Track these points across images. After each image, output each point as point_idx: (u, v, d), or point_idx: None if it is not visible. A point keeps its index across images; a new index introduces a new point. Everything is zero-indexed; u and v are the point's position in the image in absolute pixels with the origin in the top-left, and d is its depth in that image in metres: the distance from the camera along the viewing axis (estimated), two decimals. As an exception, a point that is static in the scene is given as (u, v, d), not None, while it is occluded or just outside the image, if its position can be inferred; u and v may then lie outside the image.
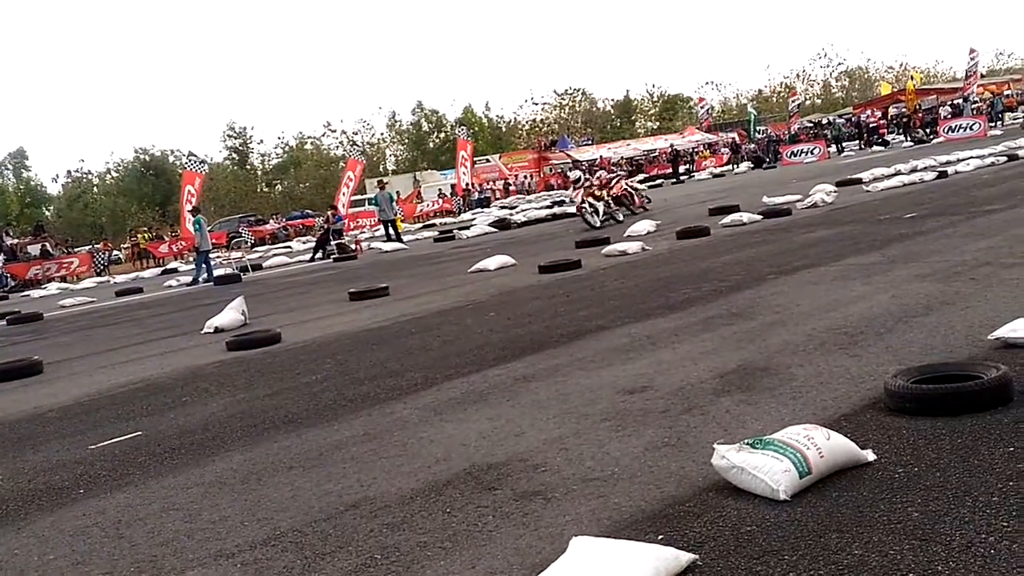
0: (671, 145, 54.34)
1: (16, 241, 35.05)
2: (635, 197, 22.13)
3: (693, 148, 56.77)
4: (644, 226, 15.84)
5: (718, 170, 46.96)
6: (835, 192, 17.25)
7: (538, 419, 4.95)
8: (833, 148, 44.49)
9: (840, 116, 58.43)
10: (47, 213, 61.66)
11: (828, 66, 79.91)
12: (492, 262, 13.81)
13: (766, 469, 3.36)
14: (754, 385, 4.99)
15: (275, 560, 3.47)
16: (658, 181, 43.05)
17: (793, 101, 64.43)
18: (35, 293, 27.01)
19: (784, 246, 11.42)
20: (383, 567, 3.26)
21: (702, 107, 71.47)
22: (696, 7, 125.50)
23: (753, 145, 52.46)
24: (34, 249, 33.71)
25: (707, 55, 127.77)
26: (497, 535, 3.40)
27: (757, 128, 59.95)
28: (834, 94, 78.79)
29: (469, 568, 3.15)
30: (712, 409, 4.63)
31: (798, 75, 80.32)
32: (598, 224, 18.85)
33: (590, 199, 19.37)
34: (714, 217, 16.16)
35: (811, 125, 57.73)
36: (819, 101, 77.35)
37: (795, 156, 42.46)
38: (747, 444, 3.52)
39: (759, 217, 15.09)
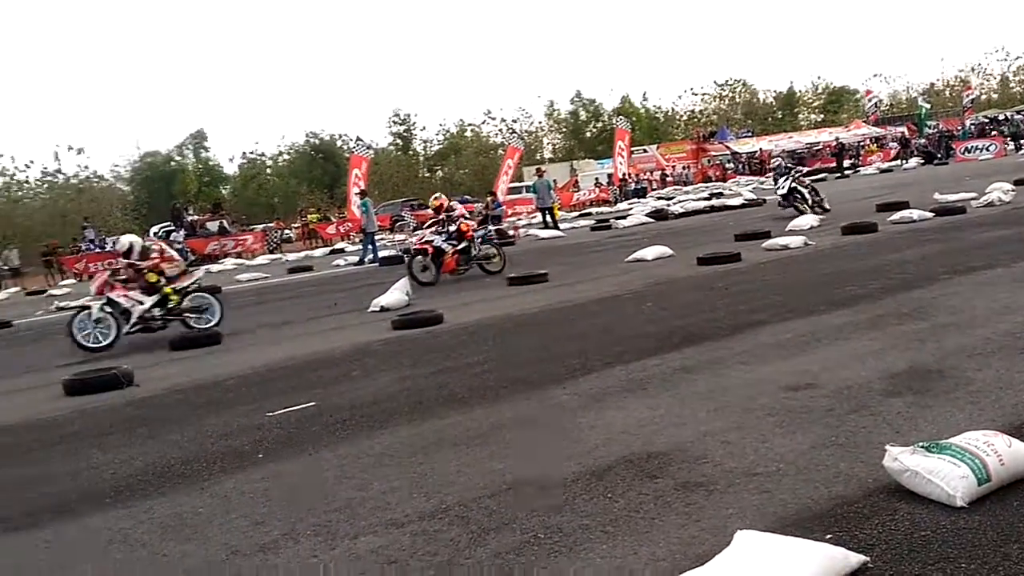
0: (836, 138, 52.39)
1: (196, 218, 37.06)
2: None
3: (859, 142, 54.52)
4: (807, 220, 15.40)
5: (885, 165, 44.97)
6: (1013, 191, 16.31)
7: (698, 411, 4.94)
8: (1011, 145, 41.94)
9: (1019, 112, 54.98)
10: (224, 192, 64.88)
11: (1006, 60, 75.06)
12: (650, 252, 13.74)
13: (942, 474, 3.27)
14: (927, 388, 4.83)
15: (442, 532, 3.61)
16: (821, 175, 41.64)
17: (967, 95, 61.06)
18: (213, 268, 28.53)
19: (958, 245, 10.90)
20: (546, 546, 3.35)
21: (870, 100, 68.60)
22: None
23: (923, 140, 50.01)
24: (212, 226, 35.57)
25: (876, 47, 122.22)
26: (659, 523, 3.43)
27: (928, 123, 57.13)
28: (1012, 89, 74.02)
29: (631, 554, 3.20)
30: (882, 410, 4.51)
31: (973, 69, 75.89)
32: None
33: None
34: (882, 213, 15.54)
35: (987, 120, 54.50)
36: (995, 96, 72.89)
37: (969, 152, 40.27)
38: (922, 447, 3.42)
39: (930, 215, 14.43)
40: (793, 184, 18.96)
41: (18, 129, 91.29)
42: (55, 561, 3.84)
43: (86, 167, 53.97)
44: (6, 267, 34.03)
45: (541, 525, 3.54)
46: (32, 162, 51.10)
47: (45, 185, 52.29)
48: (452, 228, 14.61)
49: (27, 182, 52.03)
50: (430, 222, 15.29)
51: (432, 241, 14.57)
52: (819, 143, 56.36)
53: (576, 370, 6.37)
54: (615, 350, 6.94)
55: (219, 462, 5.10)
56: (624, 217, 26.24)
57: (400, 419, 5.58)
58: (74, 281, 30.85)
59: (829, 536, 3.09)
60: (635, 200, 39.71)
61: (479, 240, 14.94)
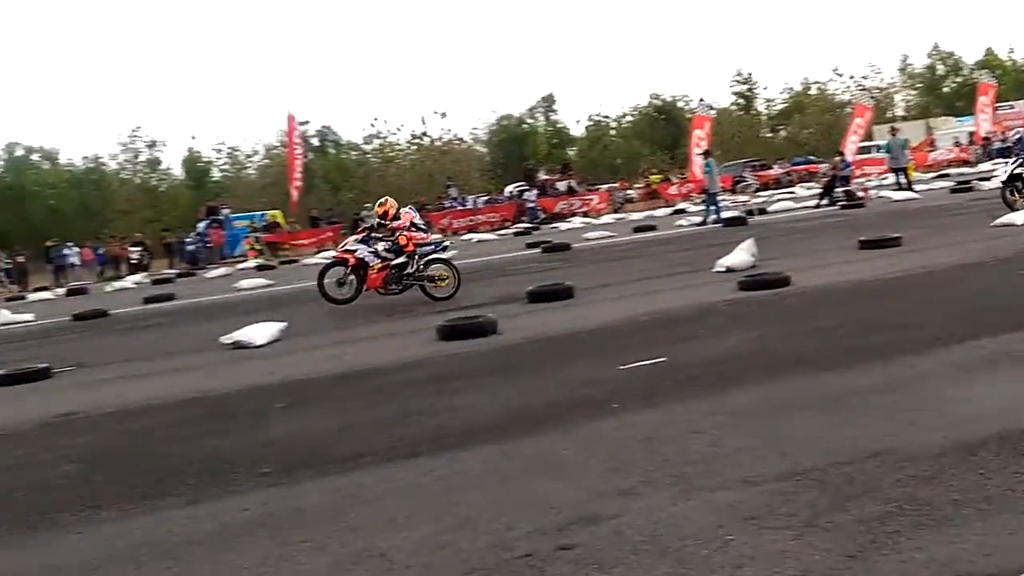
0: None
1: (546, 178, 38.67)
2: None
3: None
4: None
5: None
6: None
7: (1085, 390, 4.55)
8: None
9: None
10: (570, 153, 66.98)
11: None
12: (1020, 216, 12.54)
13: None
14: None
15: (799, 494, 3.63)
16: None
17: None
18: (562, 226, 29.71)
19: None
20: (912, 518, 3.28)
21: None
22: None
23: None
24: (561, 186, 37.01)
25: None
26: (1039, 504, 3.25)
27: None
28: None
29: (1008, 534, 3.06)
30: None
31: None
32: None
33: None
34: None
35: None
36: None
37: None
38: None
39: None
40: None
41: (392, 96, 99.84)
42: (440, 487, 4.31)
43: (448, 130, 57.97)
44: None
45: (906, 496, 3.46)
46: (403, 126, 55.82)
47: (414, 147, 56.82)
48: (390, 239, 12.17)
49: (398, 144, 56.81)
50: (361, 228, 13.28)
51: (355, 251, 12.16)
52: None
53: (938, 339, 6.06)
54: (983, 320, 6.51)
55: (577, 409, 5.41)
56: (988, 179, 24.03)
57: (751, 379, 5.61)
58: (439, 236, 33.42)
59: None
60: (1000, 160, 36.10)
61: (423, 257, 12.21)
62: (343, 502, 4.22)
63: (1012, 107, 51.93)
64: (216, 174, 60.19)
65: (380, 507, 4.08)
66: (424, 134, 56.56)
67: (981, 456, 3.77)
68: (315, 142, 60.42)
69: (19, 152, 58.77)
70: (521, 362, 7.14)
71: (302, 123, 45.62)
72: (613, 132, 69.25)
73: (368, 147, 57.68)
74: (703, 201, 24.43)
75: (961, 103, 58.83)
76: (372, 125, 56.38)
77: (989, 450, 3.83)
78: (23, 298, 26.23)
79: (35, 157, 60.00)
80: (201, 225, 35.29)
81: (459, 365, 7.28)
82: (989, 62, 62.47)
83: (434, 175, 50.50)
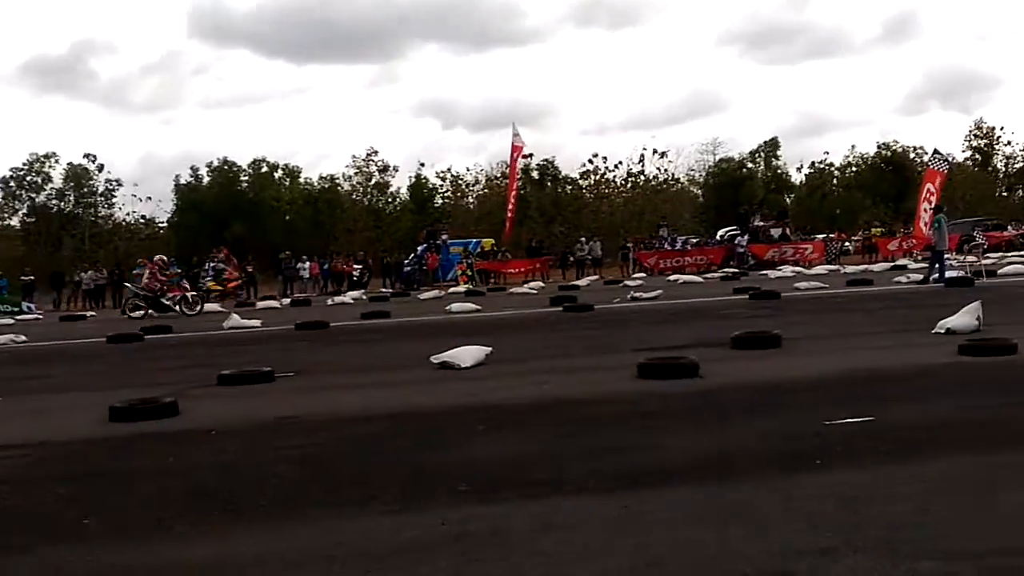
0: None
1: (760, 224, 37.96)
2: None
3: None
4: None
5: None
6: None
7: None
8: None
9: None
10: (788, 200, 65.35)
11: None
12: None
13: None
14: None
15: (1018, 571, 3.47)
16: None
17: None
18: (771, 274, 29.07)
19: None
20: None
21: None
22: None
23: None
24: (775, 232, 36.23)
25: None
26: None
27: None
28: None
29: None
30: None
31: None
32: None
33: None
34: None
35: None
36: None
37: None
38: None
39: None
40: None
41: (611, 134, 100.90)
42: (637, 524, 4.29)
43: (665, 170, 57.90)
44: (589, 256, 37.99)
45: None
46: (620, 163, 56.21)
47: (629, 185, 57.09)
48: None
49: (614, 181, 57.26)
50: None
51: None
52: None
53: None
54: None
55: (777, 460, 5.33)
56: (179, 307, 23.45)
57: (962, 447, 5.38)
58: (644, 274, 33.45)
59: None
60: None
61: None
62: (538, 526, 4.33)
63: None
64: (438, 200, 62.67)
65: (574, 535, 4.18)
66: (641, 172, 56.77)
67: None
68: (535, 175, 61.84)
69: (264, 168, 63.43)
70: (721, 407, 7.09)
71: (525, 155, 46.85)
72: (836, 181, 67.01)
73: (584, 182, 58.43)
74: (927, 259, 23.27)
75: None
76: (591, 161, 57.02)
77: None
78: (252, 305, 28.26)
79: (278, 174, 64.54)
80: (419, 248, 36.85)
81: (658, 404, 7.31)
82: None
83: (646, 213, 50.56)
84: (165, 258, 26.21)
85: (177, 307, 23.76)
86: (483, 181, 59.62)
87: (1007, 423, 5.99)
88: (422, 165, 63.92)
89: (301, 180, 64.82)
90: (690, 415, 6.85)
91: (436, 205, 62.41)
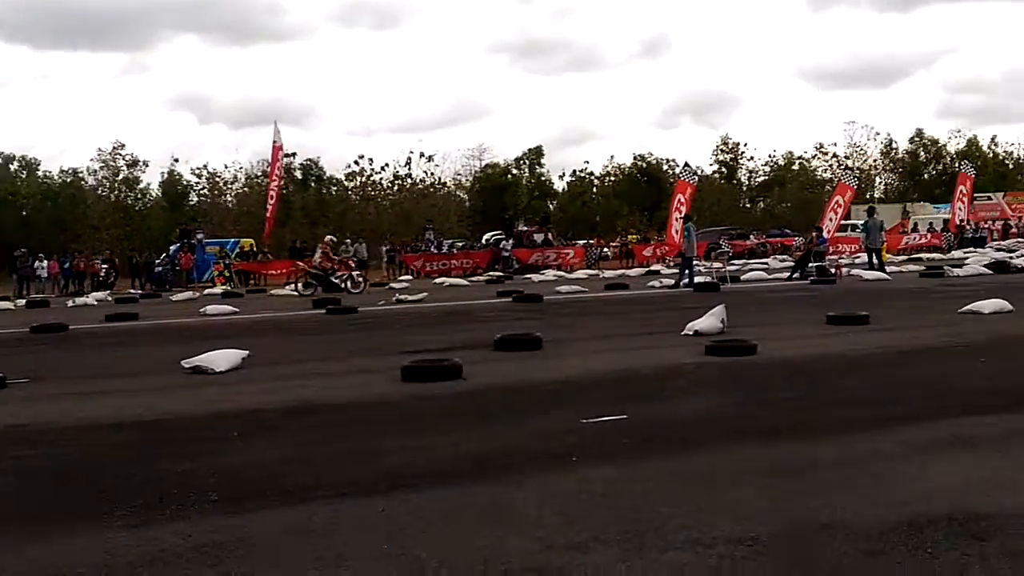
0: None
1: (525, 229, 38.91)
2: None
3: None
4: None
5: None
6: None
7: (1035, 479, 4.59)
8: None
9: None
10: (551, 206, 67.45)
11: None
12: (987, 305, 12.72)
13: None
14: None
15: (749, 560, 3.61)
16: None
17: None
18: (535, 277, 29.84)
19: None
20: (857, 590, 3.29)
21: None
22: None
23: None
24: (538, 237, 37.23)
25: None
26: (985, 588, 3.26)
27: None
28: None
29: (951, 613, 3.07)
30: None
31: None
32: None
33: None
34: None
35: None
36: None
37: None
38: None
39: None
40: None
41: (379, 135, 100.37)
42: (389, 528, 4.25)
43: (432, 173, 58.20)
44: (355, 259, 37.49)
45: (854, 570, 3.47)
46: (387, 165, 55.94)
47: (395, 187, 56.93)
48: None
49: (380, 183, 56.92)
50: None
51: None
52: None
53: (898, 418, 6.11)
54: (942, 403, 6.58)
55: (535, 459, 5.39)
56: (959, 266, 24.48)
57: (710, 442, 5.62)
58: (411, 277, 33.45)
59: None
60: (972, 249, 36.89)
61: None
62: (289, 535, 4.15)
63: (990, 198, 53.11)
64: (194, 198, 60.02)
65: (327, 543, 4.03)
66: (408, 175, 56.78)
67: (929, 535, 3.79)
68: (298, 175, 60.46)
69: (-2, 160, 58.47)
70: (483, 408, 7.11)
71: (288, 155, 45.65)
72: (595, 189, 69.86)
73: (350, 184, 57.75)
74: (678, 264, 24.63)
75: (939, 190, 60.01)
76: (356, 163, 56.38)
77: (937, 530, 3.85)
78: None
79: (13, 166, 59.60)
80: (172, 248, 35.10)
81: (420, 406, 7.24)
82: (970, 153, 63.84)
83: (412, 216, 50.62)
84: (334, 239, 28.35)
85: (344, 285, 24.57)
86: (242, 179, 57.67)
87: (748, 419, 6.34)
88: (176, 161, 60.78)
89: (40, 173, 60.25)
90: (452, 417, 6.81)
91: (192, 203, 59.71)
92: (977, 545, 3.66)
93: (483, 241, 42.44)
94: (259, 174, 54.97)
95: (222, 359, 9.62)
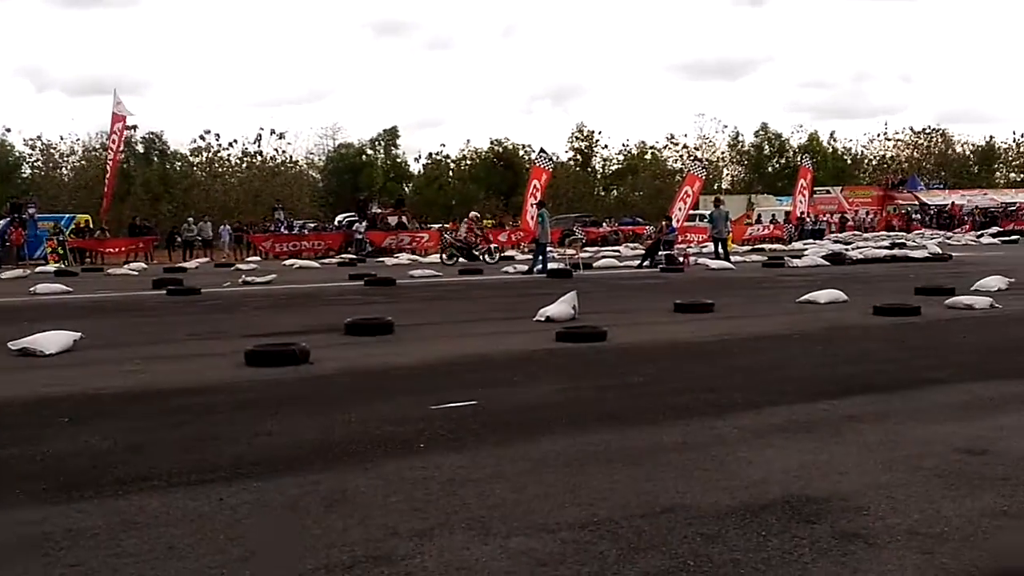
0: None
1: (379, 211, 38.44)
2: None
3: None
4: (995, 282, 14.61)
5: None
6: None
7: (864, 461, 4.81)
8: None
9: None
10: (406, 189, 66.94)
11: None
12: (823, 295, 13.36)
13: None
14: (1117, 472, 4.54)
15: (593, 544, 3.65)
16: (1013, 237, 39.51)
17: None
18: (388, 261, 29.56)
19: None
20: (695, 574, 3.35)
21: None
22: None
23: None
24: (392, 220, 36.87)
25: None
26: (813, 568, 3.38)
27: None
28: None
29: (782, 594, 3.17)
30: (1063, 487, 4.28)
31: None
32: None
33: None
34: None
35: None
36: None
37: None
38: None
39: None
40: None
41: (227, 110, 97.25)
42: (228, 518, 4.10)
43: (283, 151, 56.76)
44: (199, 237, 36.24)
45: (691, 552, 3.54)
46: (235, 141, 54.31)
47: (244, 164, 55.31)
48: None
49: (228, 160, 55.16)
50: None
51: None
52: (1016, 203, 53.50)
53: (738, 404, 6.31)
54: (780, 389, 6.83)
55: (382, 446, 5.30)
56: (798, 256, 25.64)
57: (558, 428, 5.66)
58: (259, 258, 32.57)
59: (994, 609, 2.98)
60: (811, 241, 38.75)
61: None
62: (121, 526, 3.95)
63: (828, 192, 55.83)
64: (27, 170, 56.66)
65: (160, 534, 3.84)
66: (257, 153, 55.25)
67: (764, 518, 3.91)
68: (140, 149, 57.96)
69: None
70: (330, 394, 6.96)
71: (129, 127, 43.62)
72: (451, 173, 69.73)
73: (195, 160, 55.72)
74: (531, 250, 24.87)
75: (782, 183, 62.63)
76: (202, 138, 54.41)
77: (772, 513, 3.98)
78: None
79: None
80: (1, 223, 33.04)
81: (264, 392, 7.03)
82: (811, 147, 66.88)
83: (262, 196, 49.32)
84: (478, 214, 32.59)
85: (483, 257, 27.74)
86: (80, 152, 54.83)
87: (596, 404, 6.42)
88: (8, 131, 57.00)
89: None
90: (297, 402, 6.64)
91: (24, 175, 56.34)
92: (808, 528, 3.80)
93: (336, 223, 41.77)
94: (97, 147, 52.40)
95: (52, 341, 9.11)
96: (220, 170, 54.35)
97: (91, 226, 35.89)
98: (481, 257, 27.83)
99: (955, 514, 3.93)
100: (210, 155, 54.70)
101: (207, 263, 31.58)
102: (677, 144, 68.75)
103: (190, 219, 37.72)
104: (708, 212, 32.68)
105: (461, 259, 27.36)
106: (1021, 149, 73.96)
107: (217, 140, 54.31)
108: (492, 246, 29.64)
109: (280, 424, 5.90)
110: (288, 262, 29.44)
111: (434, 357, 8.67)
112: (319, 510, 4.16)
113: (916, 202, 55.49)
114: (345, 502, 4.28)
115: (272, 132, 55.66)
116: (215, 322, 12.20)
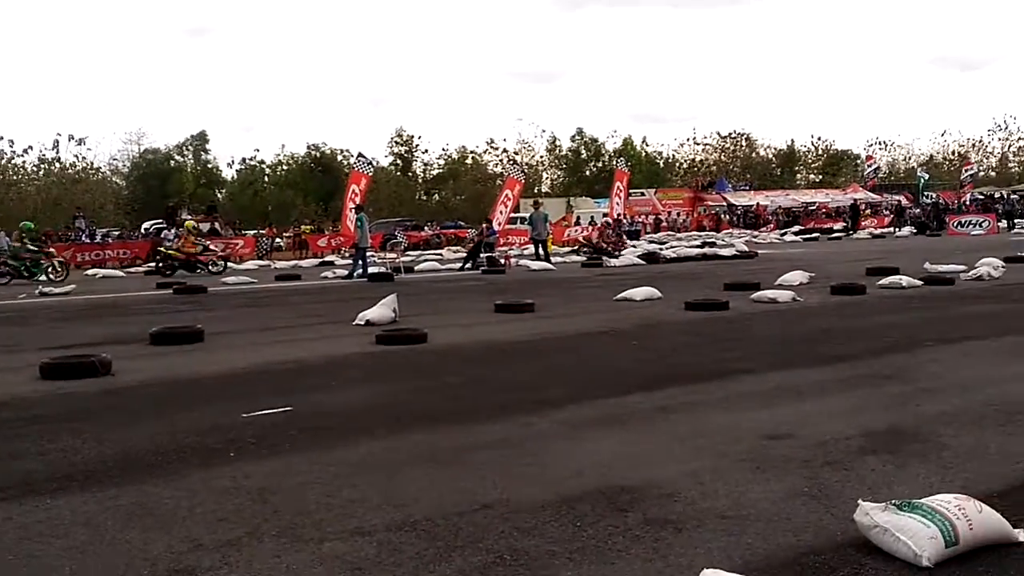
0: (854, 200, 53.17)
1: (189, 218, 36.95)
2: None
3: (853, 206, 55.26)
4: (796, 277, 15.47)
5: (879, 231, 45.40)
6: (1003, 267, 16.43)
7: (675, 450, 4.94)
8: (1004, 223, 42.58)
9: (1015, 192, 56.06)
10: (219, 195, 64.74)
11: (1007, 139, 75.41)
12: (638, 293, 13.76)
13: (911, 533, 3.27)
14: (902, 449, 4.84)
15: (408, 545, 3.58)
16: (814, 235, 42.13)
17: (967, 171, 62.24)
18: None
19: (944, 315, 11.02)
20: (511, 568, 3.33)
21: (870, 166, 69.61)
22: (874, 65, 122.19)
23: (918, 210, 50.76)
24: (204, 227, 35.48)
25: (879, 113, 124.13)
26: (626, 556, 3.42)
27: (925, 193, 58.03)
28: (1011, 168, 74.68)
29: (596, 582, 3.18)
30: (856, 466, 4.52)
31: (974, 144, 76.49)
32: None
33: None
34: (872, 277, 15.65)
35: (983, 197, 55.48)
36: (994, 174, 73.58)
37: (962, 226, 40.69)
38: (894, 505, 3.42)
39: (919, 283, 14.54)
40: None
41: (20, 115, 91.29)
42: (16, 536, 3.79)
43: (83, 158, 53.77)
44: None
45: (507, 547, 3.52)
46: (31, 147, 51.11)
47: (41, 172, 52.08)
48: None
49: (23, 167, 51.82)
50: None
51: None
52: (815, 203, 57.06)
53: (556, 400, 6.36)
54: (597, 384, 6.94)
55: (189, 457, 5.05)
56: (616, 256, 26.38)
57: (375, 431, 5.55)
58: (60, 269, 30.65)
59: (794, 583, 3.09)
60: (630, 242, 40.00)
61: None
62: None
63: (643, 194, 57.82)
64: None
65: (-67, 563, 3.50)
66: (56, 159, 52.11)
67: (579, 509, 3.94)
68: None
69: None
70: (133, 406, 6.58)
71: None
72: (267, 178, 68.03)
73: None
74: (351, 255, 24.49)
75: (600, 186, 64.43)
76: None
77: (587, 504, 4.01)
78: None
79: None
80: None
81: (60, 406, 6.58)
82: (626, 151, 69.12)
83: (61, 204, 46.56)
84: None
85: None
86: None
87: (413, 405, 6.35)
88: None
89: None
90: (97, 415, 6.25)
91: None
92: (621, 516, 3.85)
93: (143, 230, 39.91)
94: None
95: None
96: (15, 178, 50.94)
97: None
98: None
99: (760, 497, 4.07)
100: (3, 162, 51.19)
101: None
102: (497, 148, 69.64)
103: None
104: (528, 215, 33.14)
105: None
106: (819, 152, 78.96)
107: (11, 146, 50.94)
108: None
109: (76, 439, 5.52)
110: (91, 272, 27.85)
111: (247, 364, 8.37)
112: (117, 525, 3.91)
113: (724, 203, 58.26)
114: (146, 515, 4.04)
115: (71, 138, 52.69)
116: (7, 335, 11.36)
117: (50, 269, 23.21)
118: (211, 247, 27.44)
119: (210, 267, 25.71)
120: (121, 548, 3.64)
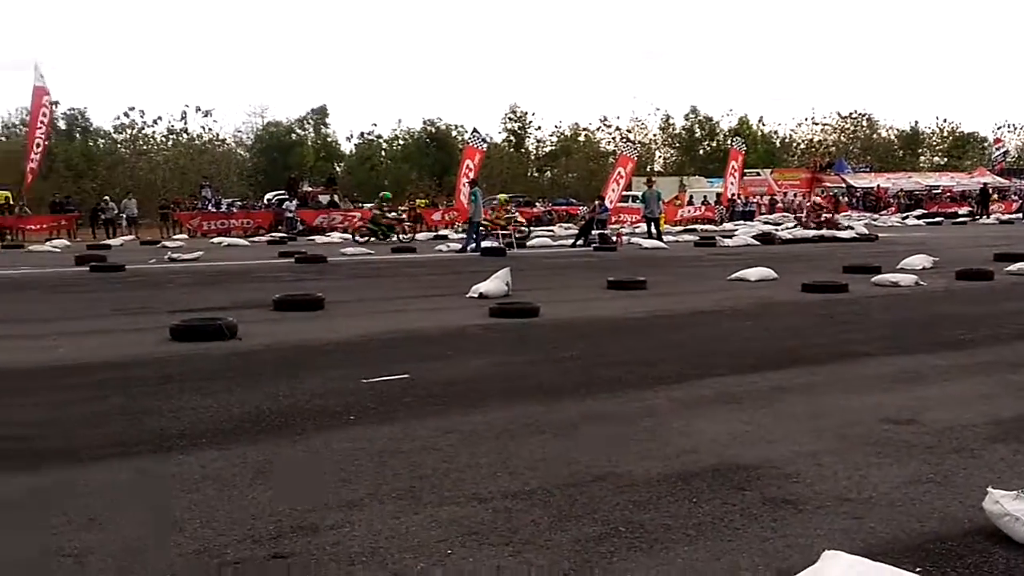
0: (983, 184, 50.97)
1: (309, 190, 37.87)
2: None
3: (983, 190, 52.91)
4: (920, 260, 14.95)
5: (1006, 217, 43.35)
6: None
7: (792, 431, 4.86)
8: None
9: None
10: (338, 169, 66.05)
11: None
12: (753, 273, 13.53)
13: (1045, 523, 3.15)
14: (1035, 438, 4.66)
15: (524, 512, 3.63)
16: (938, 219, 40.58)
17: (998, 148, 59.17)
18: (319, 239, 29.16)
19: (1082, 303, 10.50)
20: (627, 540, 3.34)
21: (998, 149, 66.57)
22: (1002, 44, 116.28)
23: (1049, 196, 48.43)
24: (323, 199, 36.34)
25: (1008, 94, 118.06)
26: (744, 534, 3.39)
27: (1057, 178, 55.33)
28: None
29: (714, 559, 3.17)
30: (985, 453, 4.38)
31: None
32: None
33: None
34: (1000, 263, 15.01)
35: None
36: None
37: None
38: (1025, 493, 3.31)
39: (1051, 269, 13.88)
40: None
41: (150, 86, 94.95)
42: (156, 489, 3.99)
43: (209, 129, 55.68)
44: (124, 215, 35.35)
45: (623, 519, 3.54)
46: (160, 118, 53.22)
47: (170, 142, 54.13)
48: None
49: (153, 137, 53.94)
50: None
51: None
52: (939, 186, 54.91)
53: (669, 377, 6.33)
54: (711, 362, 6.87)
55: (312, 419, 5.21)
56: (730, 236, 25.96)
57: (491, 401, 5.62)
58: (186, 236, 31.92)
59: (919, 570, 3.02)
60: (741, 222, 39.26)
61: None
62: (44, 499, 3.84)
63: (758, 174, 56.61)
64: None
65: (83, 505, 3.74)
66: (183, 130, 54.07)
67: (694, 486, 3.92)
68: (62, 125, 56.34)
69: None
70: (258, 368, 6.82)
71: (52, 102, 42.26)
72: (384, 153, 69.07)
73: (119, 137, 54.36)
74: (466, 229, 24.73)
75: (713, 165, 63.29)
76: (126, 115, 53.10)
77: (703, 481, 3.99)
78: None
79: None
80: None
81: (190, 366, 6.86)
82: (741, 130, 67.66)
83: (188, 173, 48.31)
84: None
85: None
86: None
87: (527, 378, 6.40)
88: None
89: None
90: (224, 377, 6.49)
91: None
92: (738, 494, 3.81)
93: (265, 201, 41.11)
94: (17, 123, 50.78)
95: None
96: (145, 148, 53.10)
97: (11, 203, 34.74)
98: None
99: (882, 481, 3.98)
100: (134, 132, 53.43)
101: (132, 241, 30.83)
102: (610, 126, 69.00)
103: (106, 197, 36.78)
104: (641, 193, 32.85)
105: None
106: (944, 134, 75.82)
107: (142, 117, 53.13)
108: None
109: (205, 398, 5.76)
110: (216, 240, 28.87)
111: (365, 332, 8.56)
112: (244, 482, 4.07)
113: (843, 185, 56.59)
114: (271, 474, 4.19)
115: (198, 110, 54.59)
116: (140, 299, 11.88)
117: (400, 233, 27.42)
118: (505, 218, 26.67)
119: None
120: (247, 504, 3.78)
